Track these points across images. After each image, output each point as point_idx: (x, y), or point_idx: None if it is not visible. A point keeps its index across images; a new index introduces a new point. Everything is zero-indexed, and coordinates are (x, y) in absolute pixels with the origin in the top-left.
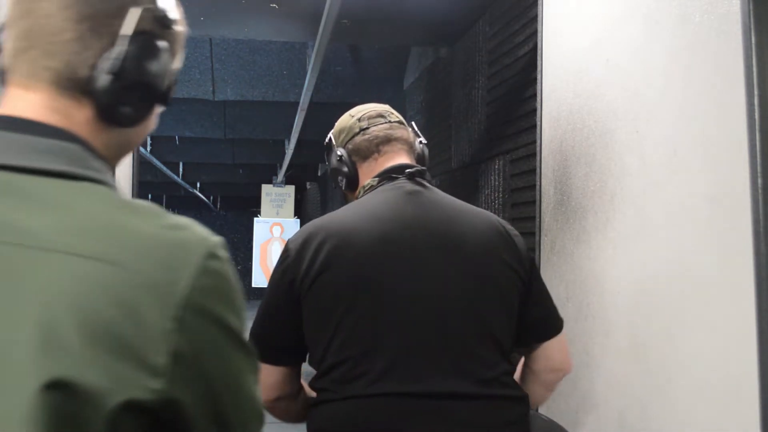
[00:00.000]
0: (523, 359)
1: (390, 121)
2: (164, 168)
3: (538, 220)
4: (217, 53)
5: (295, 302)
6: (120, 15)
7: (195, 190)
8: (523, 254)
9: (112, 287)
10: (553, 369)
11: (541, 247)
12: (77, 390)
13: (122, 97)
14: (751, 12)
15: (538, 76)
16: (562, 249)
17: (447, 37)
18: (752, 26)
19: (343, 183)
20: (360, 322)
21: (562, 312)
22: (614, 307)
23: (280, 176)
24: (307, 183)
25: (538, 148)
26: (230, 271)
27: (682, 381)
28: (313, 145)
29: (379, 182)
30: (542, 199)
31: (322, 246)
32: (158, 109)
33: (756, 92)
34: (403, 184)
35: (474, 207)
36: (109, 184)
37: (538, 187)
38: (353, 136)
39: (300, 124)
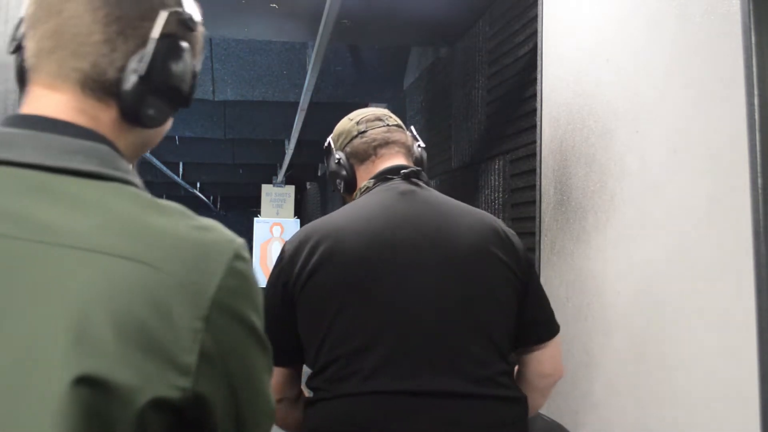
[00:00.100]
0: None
1: (388, 125)
2: (164, 168)
3: (538, 220)
4: (217, 53)
5: (289, 304)
6: (148, 17)
7: (195, 190)
8: (521, 253)
9: (145, 287)
10: (544, 374)
11: (541, 247)
12: (108, 387)
13: (148, 99)
14: (751, 12)
15: (538, 76)
16: (562, 249)
17: (447, 37)
18: (752, 26)
19: (341, 186)
20: (351, 322)
21: (562, 312)
22: (614, 307)
23: (280, 176)
24: (307, 183)
25: (538, 148)
26: (252, 271)
27: (682, 381)
28: (313, 145)
29: (374, 184)
30: (542, 199)
31: (316, 248)
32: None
33: (756, 92)
34: (398, 184)
35: (469, 206)
36: (137, 185)
37: (538, 187)
38: (351, 139)
39: (300, 124)
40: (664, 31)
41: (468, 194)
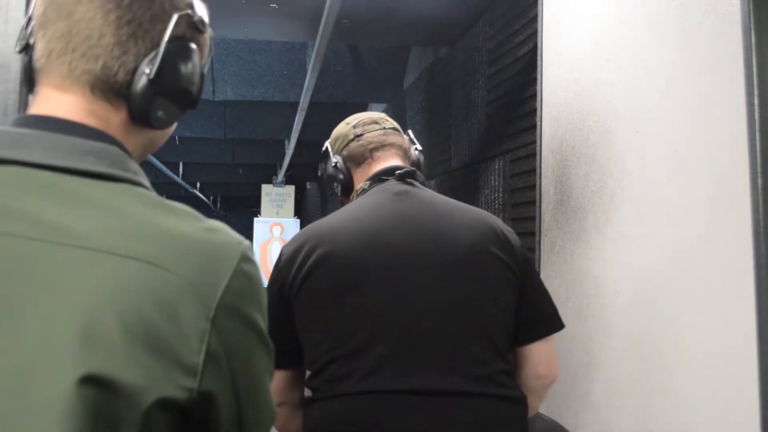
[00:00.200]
0: None
1: (384, 128)
2: (164, 168)
3: (538, 220)
4: (217, 53)
5: (287, 306)
6: (160, 20)
7: (195, 190)
8: (517, 250)
9: (154, 288)
10: (539, 376)
11: (541, 247)
12: (115, 386)
13: (158, 101)
14: (751, 12)
15: (538, 76)
16: (562, 249)
17: (447, 37)
18: (752, 26)
19: (338, 189)
20: (348, 322)
21: (562, 312)
22: (614, 307)
23: (280, 176)
24: (307, 183)
25: (538, 148)
26: (258, 273)
27: (682, 381)
28: (313, 145)
29: (370, 185)
30: (542, 199)
31: (311, 251)
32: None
33: (756, 92)
34: (393, 185)
35: (466, 205)
36: (147, 186)
37: (538, 187)
38: (348, 143)
39: (300, 124)
40: (664, 31)
41: (468, 194)
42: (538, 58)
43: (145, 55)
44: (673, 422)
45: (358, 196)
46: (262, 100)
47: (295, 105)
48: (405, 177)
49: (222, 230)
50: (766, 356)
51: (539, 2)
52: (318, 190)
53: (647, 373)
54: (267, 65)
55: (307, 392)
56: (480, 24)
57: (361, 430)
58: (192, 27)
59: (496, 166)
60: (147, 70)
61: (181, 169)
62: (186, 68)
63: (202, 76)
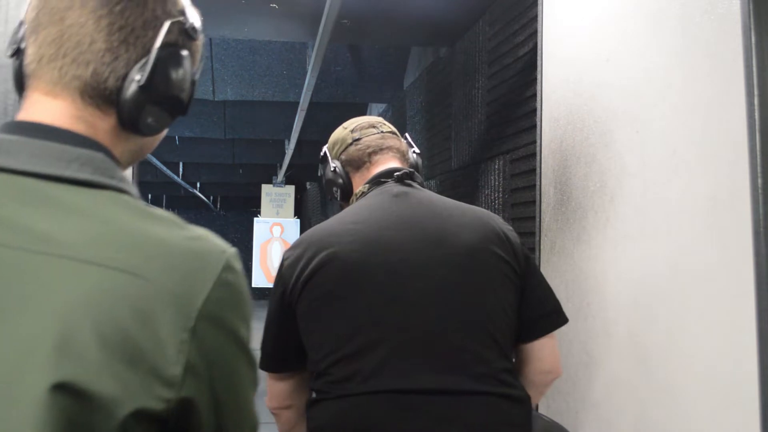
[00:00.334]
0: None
1: (382, 132)
2: (164, 168)
3: (538, 220)
4: (217, 53)
5: (289, 312)
6: (152, 27)
7: (195, 190)
8: (517, 248)
9: (132, 297)
10: (544, 371)
11: (541, 247)
12: (89, 396)
13: (148, 108)
14: (751, 12)
15: (538, 76)
16: (562, 249)
17: (447, 37)
18: (752, 26)
19: (337, 194)
20: (351, 324)
21: None
22: (614, 307)
23: (280, 176)
24: (307, 183)
25: (538, 148)
26: (244, 282)
27: (682, 381)
28: (313, 145)
29: (369, 188)
30: (542, 199)
31: (313, 254)
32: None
33: (756, 92)
34: (391, 187)
35: (465, 204)
36: (132, 194)
37: (538, 187)
38: (346, 147)
39: (300, 124)
40: (664, 31)
41: (468, 194)
42: (538, 58)
43: (136, 61)
44: (673, 422)
45: (357, 199)
46: (262, 100)
47: (295, 105)
48: (404, 178)
49: (206, 238)
50: (766, 356)
51: (539, 2)
52: (318, 190)
53: (647, 373)
54: (267, 65)
55: (311, 394)
56: (480, 24)
57: (366, 430)
58: (184, 34)
59: (496, 166)
60: (137, 77)
61: (181, 169)
62: (177, 75)
63: (193, 83)
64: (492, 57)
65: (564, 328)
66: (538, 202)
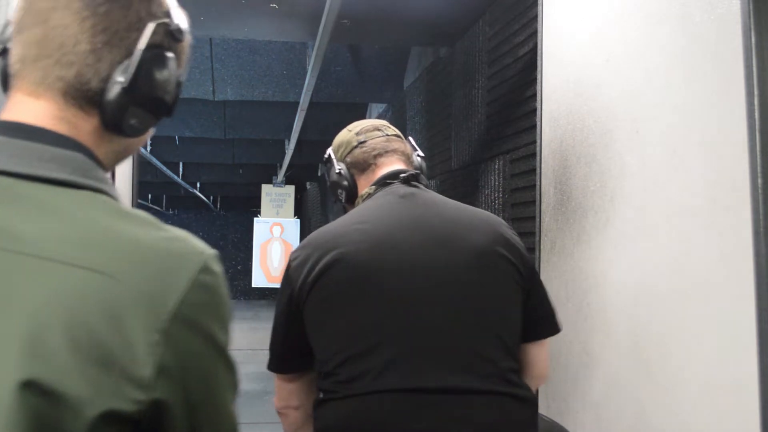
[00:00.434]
0: None
1: (386, 134)
2: (164, 168)
3: (538, 220)
4: (217, 53)
5: (297, 313)
6: (136, 28)
7: (195, 190)
8: (524, 253)
9: (102, 298)
10: (534, 376)
11: (541, 247)
12: (57, 396)
13: (131, 109)
14: (751, 12)
15: (538, 76)
16: (562, 249)
17: (447, 37)
18: (752, 26)
19: (342, 196)
20: (358, 324)
21: (563, 312)
22: (614, 307)
23: (280, 176)
24: (307, 183)
25: (538, 148)
26: (222, 285)
27: (682, 381)
28: (313, 145)
29: (375, 190)
30: (542, 199)
31: (320, 256)
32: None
33: (756, 92)
34: (397, 188)
35: (471, 207)
36: (110, 194)
37: (538, 187)
38: (352, 150)
39: (300, 124)
40: (664, 31)
41: (468, 194)
42: (538, 58)
43: (120, 63)
44: (673, 422)
45: (363, 200)
46: (262, 100)
47: (295, 105)
48: (410, 180)
49: (183, 239)
50: (766, 356)
51: (539, 2)
52: (318, 190)
53: (647, 373)
54: (267, 65)
55: (318, 394)
56: (480, 24)
57: (374, 429)
58: (169, 35)
59: (496, 166)
60: (120, 78)
61: (181, 169)
62: (161, 77)
63: (178, 84)
64: (492, 57)
65: (564, 328)
66: (538, 202)
